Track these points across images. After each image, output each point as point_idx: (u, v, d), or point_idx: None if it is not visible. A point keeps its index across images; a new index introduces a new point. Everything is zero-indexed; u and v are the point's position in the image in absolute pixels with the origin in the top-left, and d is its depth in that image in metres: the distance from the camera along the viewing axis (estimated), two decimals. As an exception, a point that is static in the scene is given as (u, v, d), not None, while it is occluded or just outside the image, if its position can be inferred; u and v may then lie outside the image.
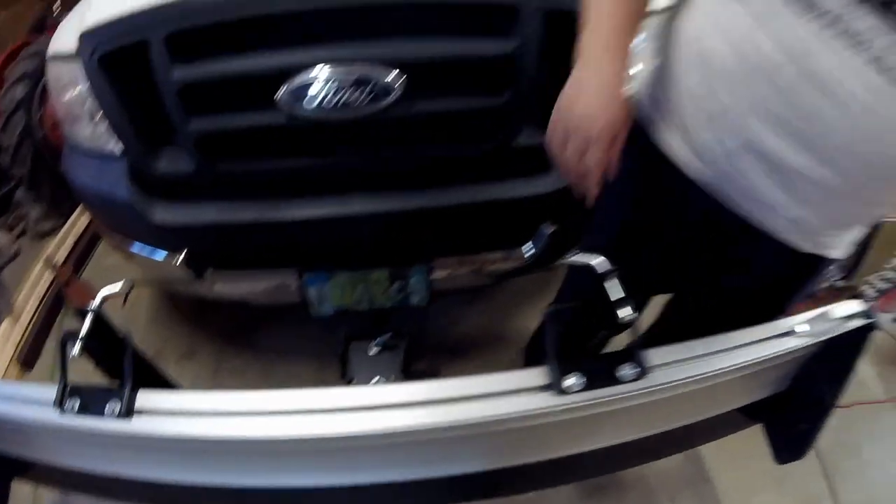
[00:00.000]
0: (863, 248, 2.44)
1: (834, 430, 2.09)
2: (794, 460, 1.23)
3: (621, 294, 0.81)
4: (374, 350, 1.61)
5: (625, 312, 0.81)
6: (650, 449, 1.15)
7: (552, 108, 0.84)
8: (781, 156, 0.78)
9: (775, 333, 0.93)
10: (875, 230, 2.36)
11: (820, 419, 1.13)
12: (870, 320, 0.96)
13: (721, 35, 0.78)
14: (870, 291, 2.64)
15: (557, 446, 0.94)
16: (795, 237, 0.89)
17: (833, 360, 1.03)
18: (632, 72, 0.88)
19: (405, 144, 1.31)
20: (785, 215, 0.86)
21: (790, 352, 0.93)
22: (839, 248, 0.95)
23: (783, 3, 0.70)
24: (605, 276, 0.82)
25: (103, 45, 1.23)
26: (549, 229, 1.35)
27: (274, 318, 2.12)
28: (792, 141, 0.77)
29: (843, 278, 2.58)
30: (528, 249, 1.40)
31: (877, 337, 2.67)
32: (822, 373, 1.07)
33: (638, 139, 0.91)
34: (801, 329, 0.93)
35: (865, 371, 2.55)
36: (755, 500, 1.89)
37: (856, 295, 1.08)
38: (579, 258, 0.85)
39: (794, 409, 1.17)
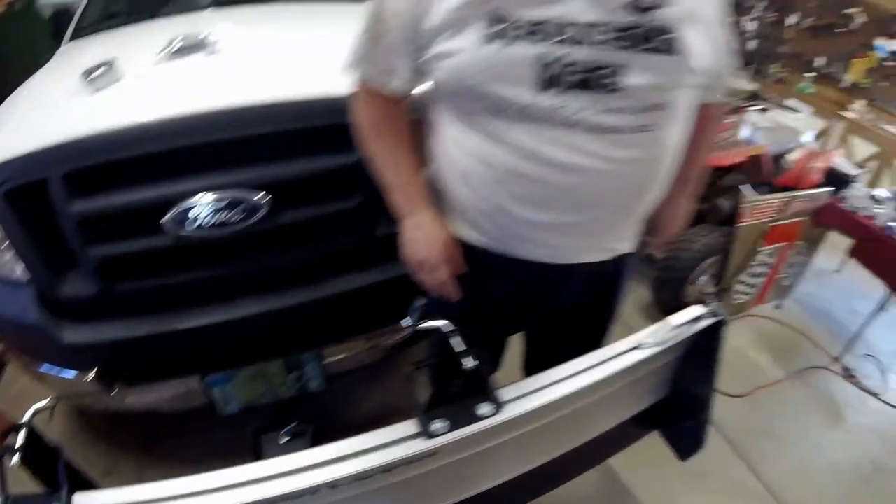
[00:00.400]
0: (725, 255, 2.78)
1: (742, 418, 2.38)
2: (694, 454, 1.38)
3: (463, 347, 0.99)
4: (283, 439, 1.69)
5: (468, 362, 0.98)
6: (558, 471, 1.30)
7: None
8: (551, 222, 1.01)
9: (622, 350, 1.11)
10: (733, 235, 2.73)
11: (703, 412, 1.29)
12: (718, 318, 1.16)
13: (471, 157, 1.01)
14: (745, 289, 2.99)
15: (464, 486, 1.08)
16: (589, 257, 1.11)
17: (698, 359, 1.22)
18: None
19: (279, 250, 1.48)
20: (572, 248, 1.08)
21: (641, 363, 1.10)
22: (628, 244, 1.19)
23: (507, 121, 0.94)
24: (449, 335, 1.00)
25: (8, 181, 1.36)
26: (421, 302, 1.52)
27: (188, 423, 2.14)
28: (554, 211, 1.00)
29: (715, 284, 2.88)
30: (406, 323, 1.57)
31: (764, 325, 3.08)
32: (693, 372, 1.26)
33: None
34: (645, 342, 1.12)
35: (759, 358, 2.87)
36: (682, 501, 2.01)
37: (700, 300, 1.30)
38: (428, 324, 1.03)
39: (679, 410, 1.33)
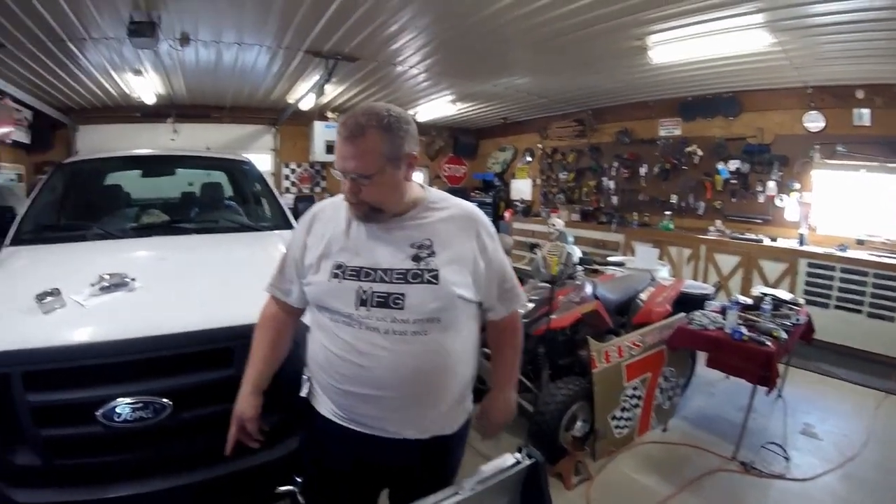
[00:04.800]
0: (590, 401, 3.11)
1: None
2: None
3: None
4: None
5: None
6: None
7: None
8: (361, 393, 1.41)
9: (446, 496, 1.36)
10: (591, 386, 3.07)
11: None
12: (533, 460, 1.49)
13: (320, 345, 1.46)
14: (623, 423, 3.25)
15: None
16: (407, 433, 1.45)
17: (532, 497, 1.51)
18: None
19: (182, 440, 1.82)
20: (388, 422, 1.44)
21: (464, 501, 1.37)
22: (441, 426, 1.49)
23: (338, 324, 1.41)
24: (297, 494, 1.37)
25: None
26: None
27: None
28: (363, 386, 1.41)
29: (588, 427, 3.17)
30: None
31: (652, 450, 3.35)
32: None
33: (311, 417, 1.54)
34: (463, 487, 1.38)
35: (647, 481, 3.02)
36: None
37: (519, 448, 1.63)
38: (284, 488, 1.40)
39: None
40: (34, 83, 6.11)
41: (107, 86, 6.55)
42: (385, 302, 1.37)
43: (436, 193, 1.53)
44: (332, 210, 1.52)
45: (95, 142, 7.90)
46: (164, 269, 2.43)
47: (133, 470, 1.79)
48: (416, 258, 1.41)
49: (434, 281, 1.38)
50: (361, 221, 1.44)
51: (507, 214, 9.64)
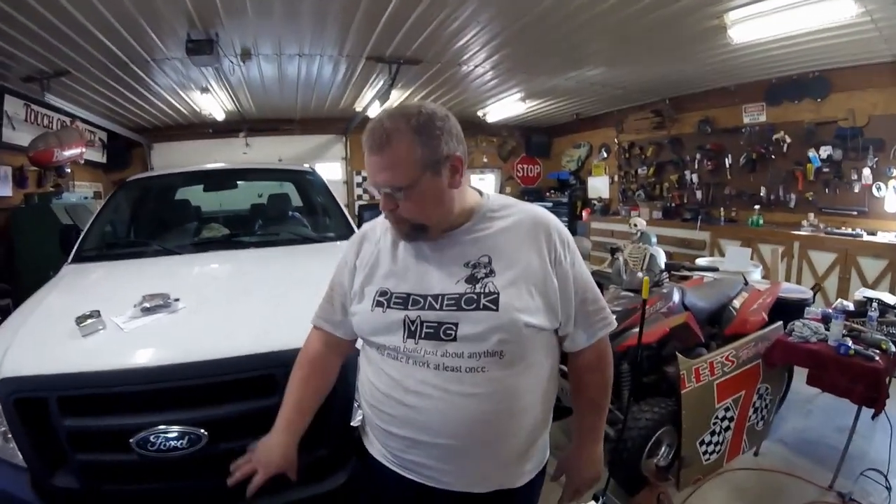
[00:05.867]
0: (677, 425, 2.77)
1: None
2: None
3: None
4: None
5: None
6: None
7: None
8: (410, 437, 1.22)
9: None
10: (679, 403, 2.72)
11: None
12: None
13: (367, 381, 1.30)
14: (712, 448, 2.91)
15: None
16: (463, 485, 1.23)
17: None
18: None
19: (219, 471, 1.65)
20: (443, 473, 1.22)
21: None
22: (521, 479, 1.28)
23: (385, 358, 1.24)
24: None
25: (17, 392, 1.70)
26: None
27: None
28: (410, 429, 1.22)
29: (674, 454, 2.85)
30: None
31: (743, 477, 2.98)
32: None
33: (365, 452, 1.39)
34: None
35: None
36: None
37: (596, 496, 1.45)
38: None
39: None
40: (105, 106, 6.42)
41: (176, 104, 6.78)
42: (435, 333, 1.17)
43: (497, 199, 1.31)
44: (382, 229, 1.34)
45: (170, 159, 8.30)
46: (213, 288, 2.34)
47: (171, 499, 1.74)
48: (472, 279, 1.19)
49: (492, 307, 1.15)
50: (406, 241, 1.26)
51: (584, 214, 9.31)
